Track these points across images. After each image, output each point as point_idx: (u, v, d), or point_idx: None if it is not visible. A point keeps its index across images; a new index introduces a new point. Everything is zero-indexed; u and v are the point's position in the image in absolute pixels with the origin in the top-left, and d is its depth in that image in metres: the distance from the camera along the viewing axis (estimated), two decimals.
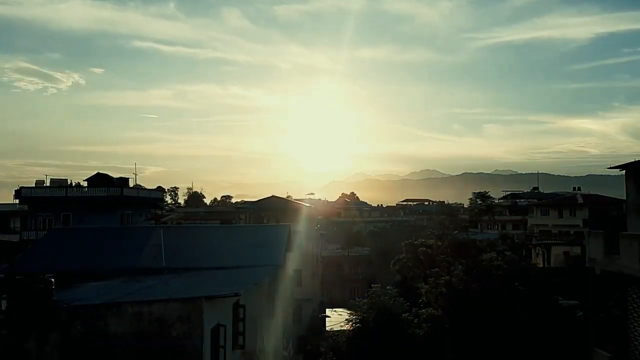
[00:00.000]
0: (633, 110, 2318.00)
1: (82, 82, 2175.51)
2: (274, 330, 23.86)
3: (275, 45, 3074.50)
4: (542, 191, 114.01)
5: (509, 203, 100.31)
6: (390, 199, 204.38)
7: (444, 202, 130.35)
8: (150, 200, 57.48)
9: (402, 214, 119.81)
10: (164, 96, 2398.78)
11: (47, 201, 47.71)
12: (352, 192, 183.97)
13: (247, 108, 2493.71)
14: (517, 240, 63.87)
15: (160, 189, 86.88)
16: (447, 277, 31.82)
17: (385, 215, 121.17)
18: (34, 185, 50.70)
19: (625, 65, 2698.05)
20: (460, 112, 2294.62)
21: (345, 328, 35.47)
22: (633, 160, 22.04)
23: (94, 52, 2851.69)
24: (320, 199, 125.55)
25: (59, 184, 51.77)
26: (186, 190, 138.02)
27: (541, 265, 53.66)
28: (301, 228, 44.03)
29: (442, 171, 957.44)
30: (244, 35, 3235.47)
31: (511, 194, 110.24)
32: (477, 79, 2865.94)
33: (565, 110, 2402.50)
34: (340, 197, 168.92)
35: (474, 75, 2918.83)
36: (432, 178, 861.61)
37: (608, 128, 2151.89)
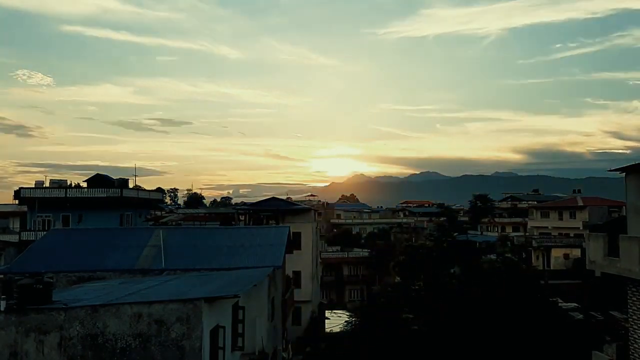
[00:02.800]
0: (605, 106, 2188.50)
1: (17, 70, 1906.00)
2: (273, 332, 23.84)
3: (256, 37, 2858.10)
4: (542, 193, 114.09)
5: (509, 205, 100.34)
6: (390, 201, 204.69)
7: (443, 204, 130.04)
8: (150, 201, 57.44)
9: (401, 216, 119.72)
10: (122, 93, 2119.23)
11: (46, 202, 47.67)
12: (352, 194, 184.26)
13: (229, 104, 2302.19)
14: (517, 243, 64.01)
15: (159, 190, 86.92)
16: (447, 279, 31.83)
17: (387, 216, 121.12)
18: (33, 186, 50.63)
19: (570, 60, 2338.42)
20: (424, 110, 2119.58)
21: (344, 330, 35.47)
22: (632, 162, 22.03)
23: (21, 35, 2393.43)
24: (320, 201, 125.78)
25: (59, 184, 51.70)
26: (186, 192, 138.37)
27: (541, 268, 53.58)
28: (301, 230, 44.07)
29: (442, 173, 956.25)
30: (213, 22, 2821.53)
31: (511, 196, 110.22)
32: (399, 76, 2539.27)
33: (523, 107, 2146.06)
34: (340, 198, 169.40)
35: (395, 72, 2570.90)
36: (432, 180, 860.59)
37: (584, 126, 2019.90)
